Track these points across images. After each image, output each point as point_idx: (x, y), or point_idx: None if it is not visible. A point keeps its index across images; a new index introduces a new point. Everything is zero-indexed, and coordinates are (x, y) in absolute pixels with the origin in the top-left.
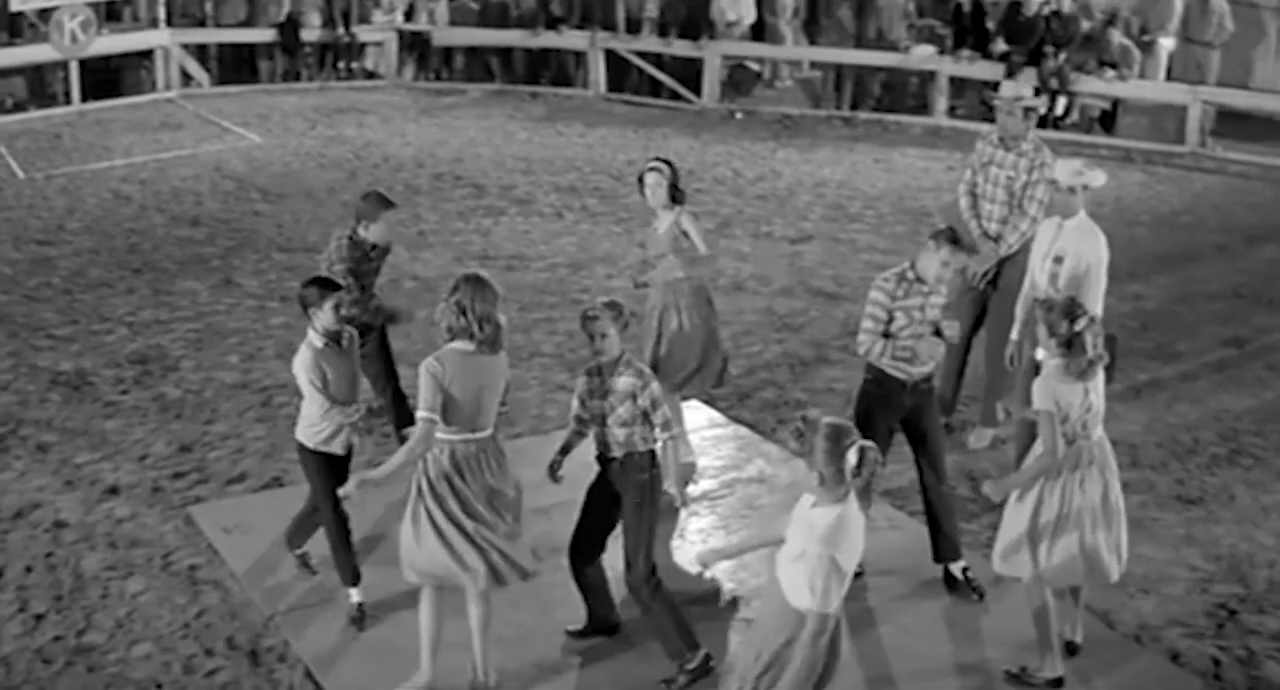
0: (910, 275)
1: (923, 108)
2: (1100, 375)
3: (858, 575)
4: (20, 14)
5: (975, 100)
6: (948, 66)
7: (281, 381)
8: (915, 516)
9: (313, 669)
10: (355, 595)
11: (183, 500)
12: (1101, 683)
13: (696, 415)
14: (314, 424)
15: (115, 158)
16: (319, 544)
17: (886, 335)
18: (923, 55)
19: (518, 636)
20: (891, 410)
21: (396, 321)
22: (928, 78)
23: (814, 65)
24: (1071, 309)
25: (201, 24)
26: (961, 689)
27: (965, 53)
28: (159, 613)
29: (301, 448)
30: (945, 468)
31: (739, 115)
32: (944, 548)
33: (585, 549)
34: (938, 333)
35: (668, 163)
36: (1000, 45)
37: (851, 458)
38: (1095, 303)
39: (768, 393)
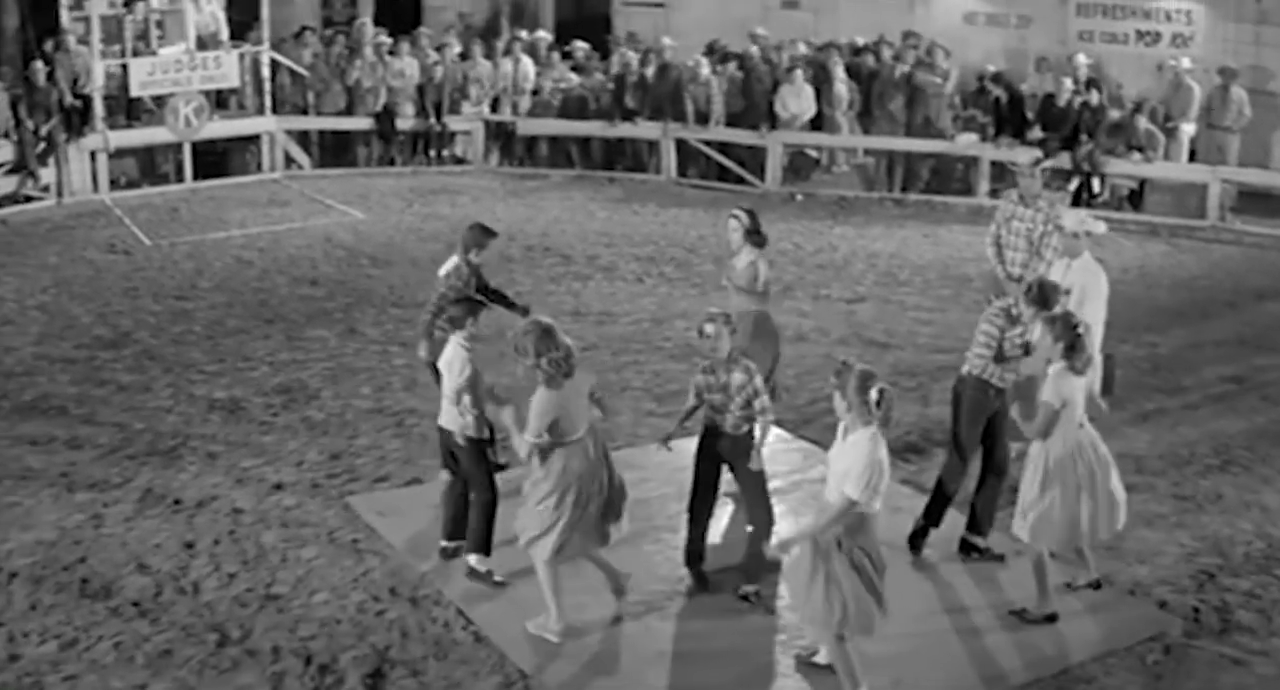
0: (1015, 313)
1: (967, 190)
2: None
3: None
4: (138, 99)
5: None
6: (989, 152)
7: (410, 407)
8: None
9: (462, 607)
10: (480, 564)
11: (339, 493)
12: (1098, 620)
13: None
14: (462, 417)
15: (232, 229)
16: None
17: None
18: (966, 142)
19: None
20: (985, 411)
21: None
22: (971, 163)
23: (868, 152)
24: (1070, 319)
25: (304, 112)
26: (977, 625)
27: (1005, 140)
28: (331, 571)
29: (451, 435)
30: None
31: (799, 197)
32: (980, 522)
33: (703, 497)
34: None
35: (748, 212)
36: (1037, 132)
37: (874, 395)
38: (1097, 325)
39: (828, 418)
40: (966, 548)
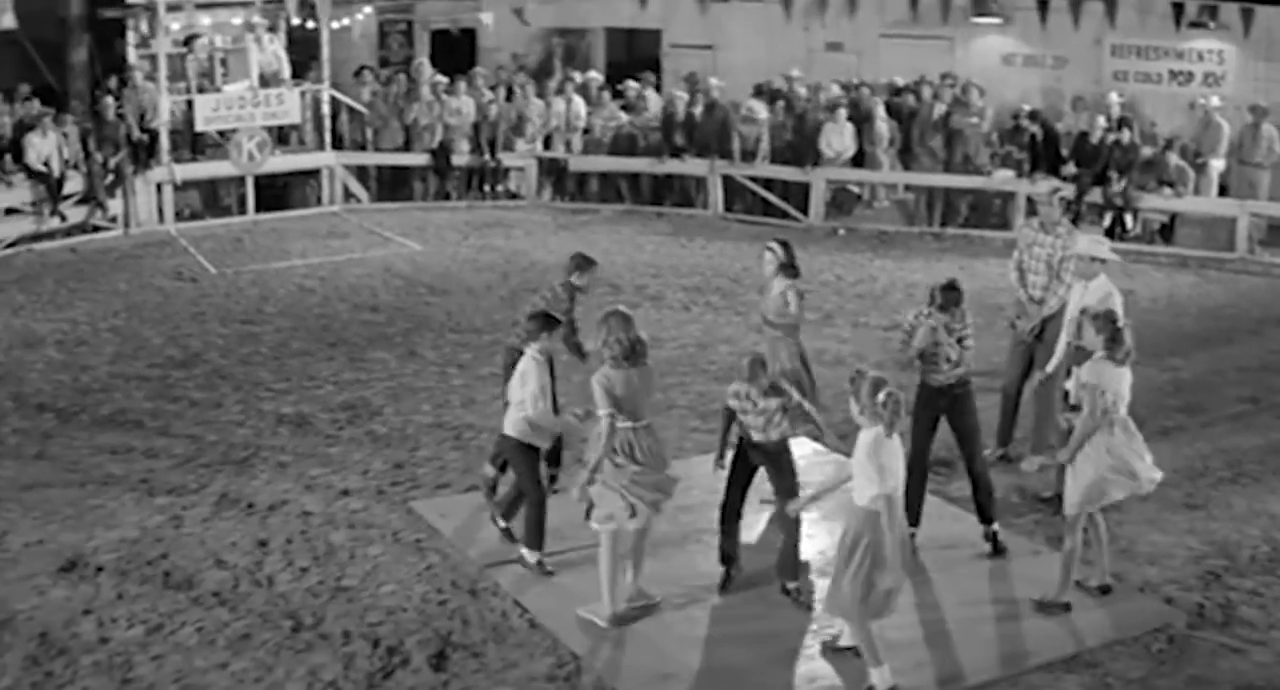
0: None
1: (1004, 224)
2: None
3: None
4: (202, 134)
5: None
6: (1025, 188)
7: (468, 422)
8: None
9: (518, 598)
10: (532, 556)
11: (402, 498)
12: (1107, 612)
13: (804, 446)
14: (524, 421)
15: (294, 258)
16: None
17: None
18: (1003, 178)
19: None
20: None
21: (584, 358)
22: (1008, 198)
23: (908, 188)
24: (1112, 315)
25: (363, 148)
26: (992, 614)
27: (1040, 176)
28: (396, 566)
29: (509, 442)
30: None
31: (841, 232)
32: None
33: (732, 507)
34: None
35: (782, 244)
36: (1071, 169)
37: (882, 397)
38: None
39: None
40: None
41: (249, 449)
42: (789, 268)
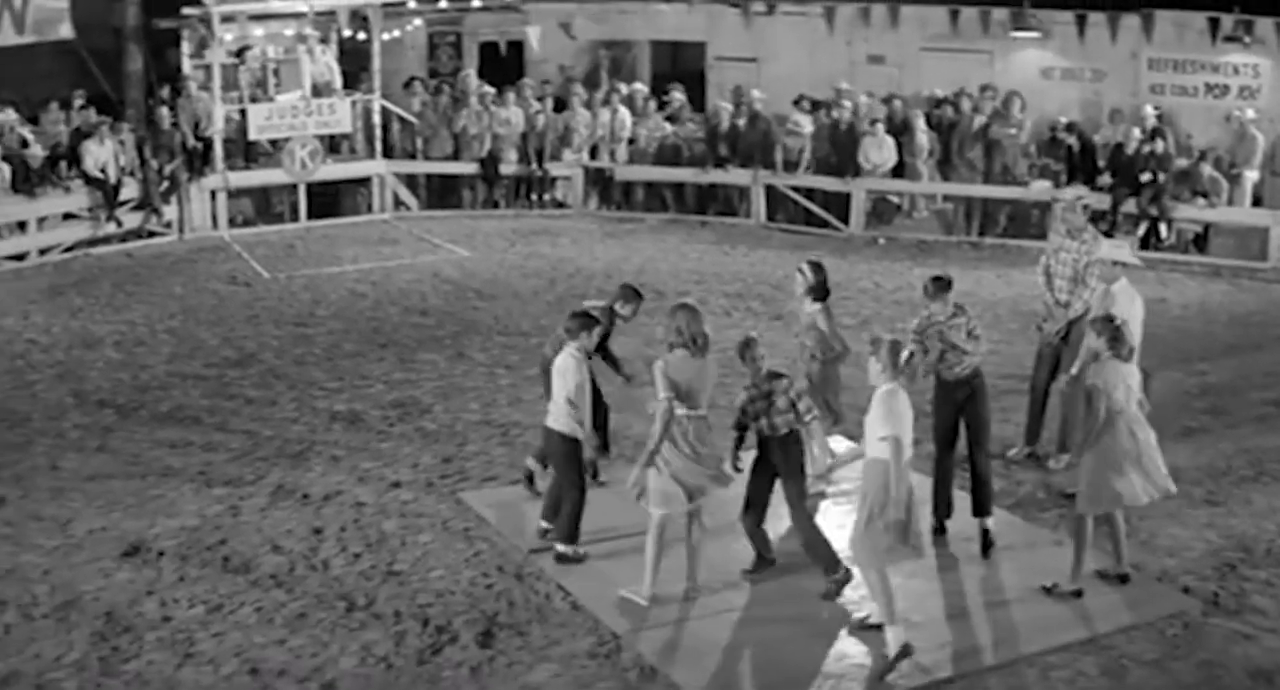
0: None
1: (1041, 234)
2: (1134, 365)
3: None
4: (256, 142)
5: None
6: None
7: (515, 420)
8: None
9: (561, 582)
10: (567, 550)
11: (451, 490)
12: (1126, 599)
13: (840, 445)
14: (564, 415)
15: (345, 264)
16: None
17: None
18: (1040, 188)
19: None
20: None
21: (619, 372)
22: (1045, 208)
23: (947, 198)
24: (1110, 317)
25: (412, 157)
26: (1012, 599)
27: (1076, 186)
28: (445, 553)
29: (552, 434)
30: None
31: (881, 241)
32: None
33: (755, 506)
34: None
35: (813, 266)
36: (1106, 179)
37: (904, 355)
38: (1133, 342)
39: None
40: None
41: (303, 444)
42: (818, 290)
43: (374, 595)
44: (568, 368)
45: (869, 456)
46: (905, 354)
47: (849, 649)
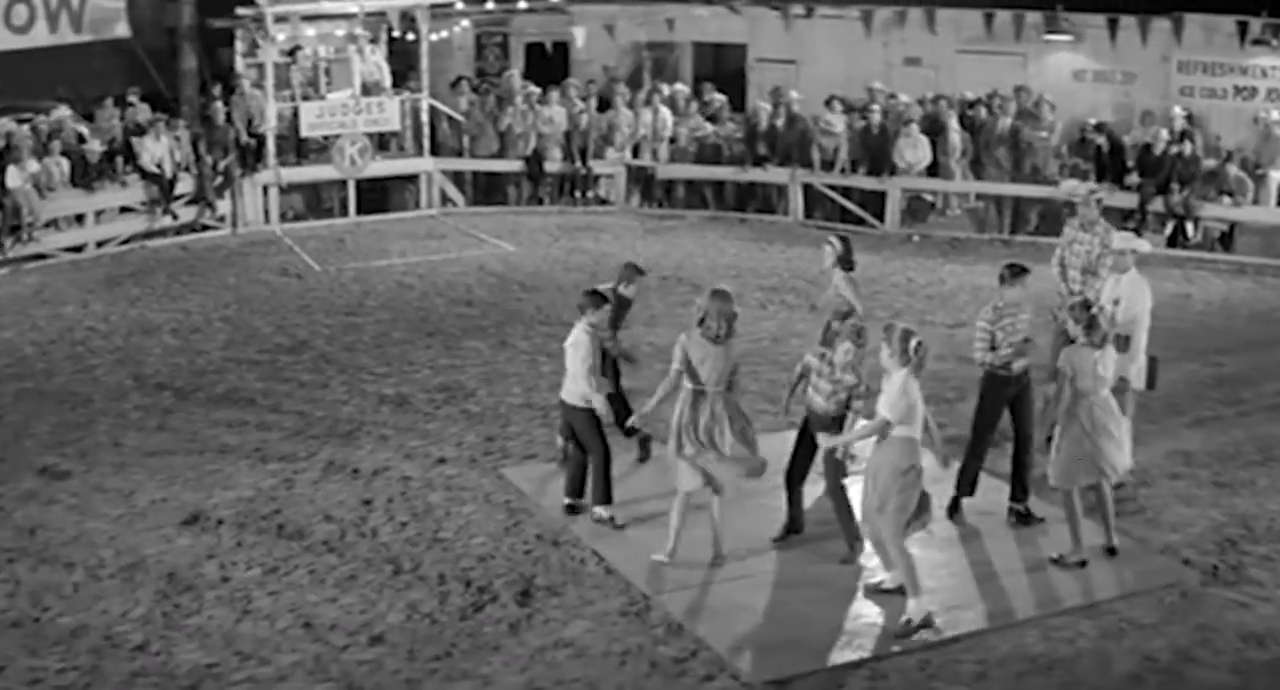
0: (1000, 305)
1: None
2: (1110, 351)
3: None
4: (307, 139)
5: (1114, 224)
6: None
7: (555, 404)
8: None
9: (595, 548)
10: (604, 512)
11: (493, 466)
12: (1128, 570)
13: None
14: (579, 387)
15: (393, 258)
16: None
17: (993, 349)
18: (1070, 188)
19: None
20: (1000, 397)
21: (629, 360)
22: (1075, 206)
23: (979, 197)
24: (1088, 303)
25: (459, 154)
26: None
27: (1105, 185)
28: (487, 523)
29: (571, 407)
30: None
31: (915, 238)
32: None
33: (797, 471)
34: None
35: (841, 239)
36: (1134, 178)
37: (913, 344)
38: (1142, 331)
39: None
40: (1014, 515)
41: (353, 424)
42: (846, 261)
43: (420, 560)
44: (580, 342)
45: (879, 441)
46: (915, 342)
47: (865, 610)
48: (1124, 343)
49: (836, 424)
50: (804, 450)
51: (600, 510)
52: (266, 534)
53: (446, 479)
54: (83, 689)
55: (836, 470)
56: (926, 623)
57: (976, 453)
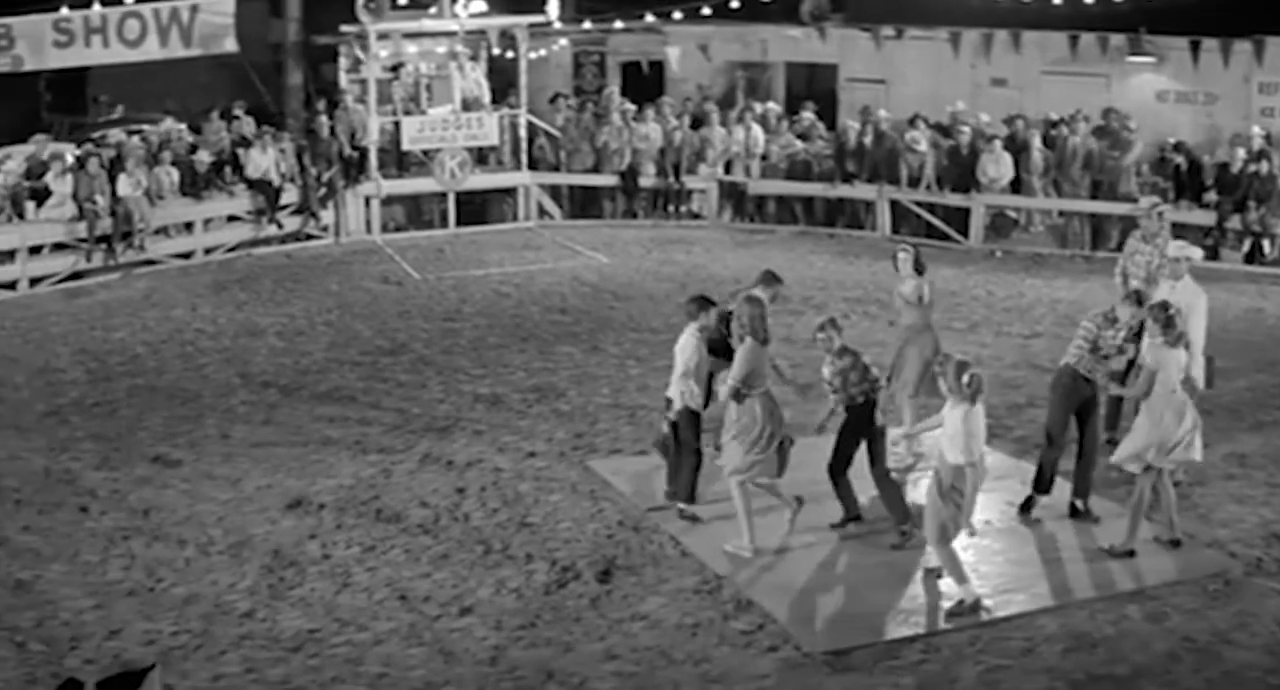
0: (1111, 316)
1: None
2: (1182, 352)
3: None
4: (408, 153)
5: (1194, 240)
6: (1170, 214)
7: (641, 404)
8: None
9: (674, 534)
10: (689, 508)
11: (580, 460)
12: (1175, 560)
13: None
14: (687, 390)
15: (491, 267)
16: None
17: (1093, 352)
18: (1149, 205)
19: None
20: (1077, 398)
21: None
22: None
23: (1061, 213)
24: (1166, 305)
25: (556, 169)
26: (1075, 557)
27: (1184, 203)
28: (573, 510)
29: (679, 411)
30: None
31: (998, 254)
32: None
33: (839, 464)
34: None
35: (914, 247)
36: (1212, 196)
37: (966, 378)
38: (1199, 334)
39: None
40: (1073, 511)
41: (449, 420)
42: (920, 263)
43: (508, 541)
44: (687, 345)
45: (949, 462)
46: (968, 376)
47: (920, 591)
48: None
49: (868, 408)
50: (846, 446)
51: (683, 507)
52: (365, 517)
53: (536, 470)
54: (194, 650)
55: (882, 459)
56: (976, 606)
57: (1051, 452)
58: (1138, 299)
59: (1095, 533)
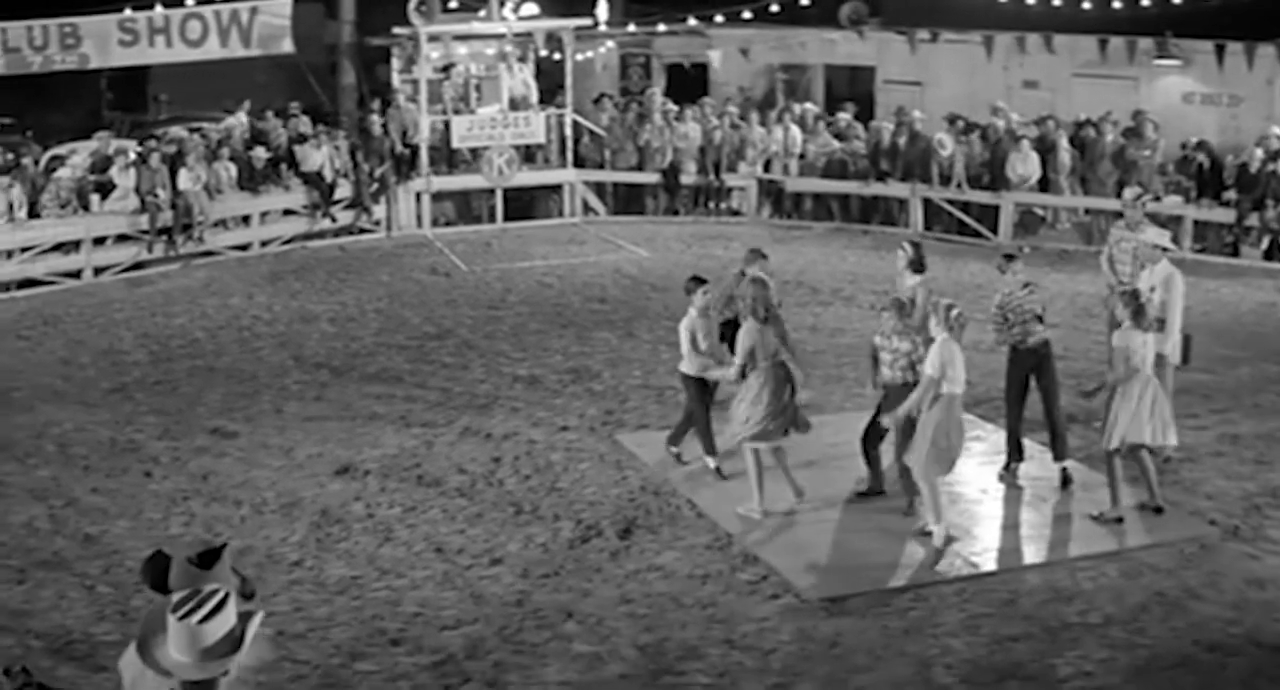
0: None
1: (1174, 243)
2: (1153, 333)
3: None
4: (458, 150)
5: (1215, 239)
6: (1192, 212)
7: (670, 385)
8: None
9: (690, 497)
10: (713, 461)
11: (609, 434)
12: (1154, 525)
13: None
14: (690, 361)
15: (535, 260)
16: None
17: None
18: (1172, 203)
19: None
20: (1019, 368)
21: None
22: (1177, 220)
23: (1087, 211)
24: (1137, 293)
25: (600, 167)
26: (1061, 521)
27: (1205, 201)
28: (599, 477)
29: (684, 376)
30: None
31: (1026, 250)
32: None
33: (872, 437)
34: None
35: (914, 244)
36: (1232, 195)
37: (954, 312)
38: (1175, 315)
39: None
40: (1064, 480)
41: (489, 398)
42: (917, 264)
43: (538, 504)
44: (683, 323)
45: (925, 372)
46: (955, 311)
47: (913, 549)
48: (1159, 324)
49: (907, 391)
50: (876, 422)
51: (709, 460)
52: (407, 482)
53: (567, 442)
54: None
55: (906, 438)
56: (949, 541)
57: (1010, 421)
58: (1011, 257)
59: (1083, 498)
